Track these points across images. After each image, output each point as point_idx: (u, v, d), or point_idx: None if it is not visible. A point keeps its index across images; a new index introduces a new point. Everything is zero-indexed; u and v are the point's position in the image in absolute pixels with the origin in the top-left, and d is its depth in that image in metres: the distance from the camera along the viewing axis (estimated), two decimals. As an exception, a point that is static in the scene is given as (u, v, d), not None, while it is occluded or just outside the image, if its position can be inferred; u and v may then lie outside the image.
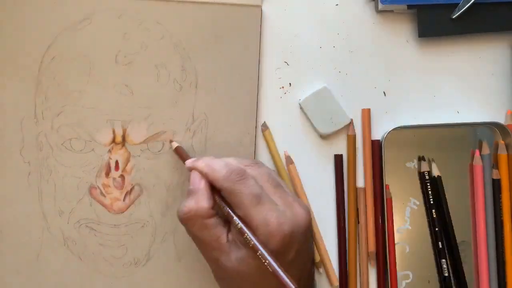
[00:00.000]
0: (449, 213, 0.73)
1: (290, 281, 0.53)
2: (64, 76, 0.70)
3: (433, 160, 0.73)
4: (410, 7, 0.73)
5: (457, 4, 0.72)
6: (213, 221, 0.59)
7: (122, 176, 0.70)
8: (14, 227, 0.69)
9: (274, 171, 0.69)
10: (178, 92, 0.70)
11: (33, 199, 0.69)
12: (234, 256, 0.58)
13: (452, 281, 0.72)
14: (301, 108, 0.73)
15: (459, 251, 0.72)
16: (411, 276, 0.73)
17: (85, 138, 0.69)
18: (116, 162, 0.70)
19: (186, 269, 0.68)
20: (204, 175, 0.61)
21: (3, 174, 0.69)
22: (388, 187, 0.72)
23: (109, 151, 0.70)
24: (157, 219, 0.70)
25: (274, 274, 0.55)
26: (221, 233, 0.59)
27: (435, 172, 0.73)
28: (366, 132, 0.73)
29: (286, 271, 0.55)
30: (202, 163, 0.62)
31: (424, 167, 0.73)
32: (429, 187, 0.73)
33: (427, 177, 0.73)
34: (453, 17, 0.72)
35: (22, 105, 0.69)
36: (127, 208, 0.70)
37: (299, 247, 0.58)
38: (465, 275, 0.72)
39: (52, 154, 0.69)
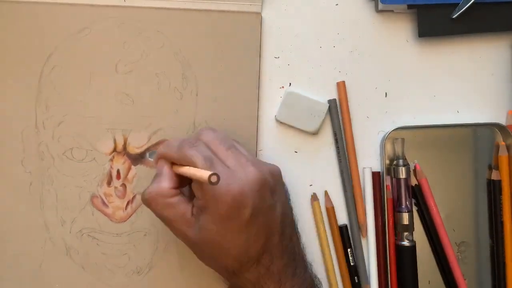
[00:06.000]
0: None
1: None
2: (65, 86, 0.70)
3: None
4: (410, 6, 0.73)
5: (457, 4, 0.72)
6: (176, 199, 0.61)
7: (123, 185, 0.70)
8: (16, 237, 0.69)
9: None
10: (179, 101, 0.70)
11: (35, 209, 0.69)
12: (197, 226, 0.60)
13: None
14: (280, 122, 0.73)
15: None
16: (411, 276, 0.73)
17: (86, 147, 0.70)
18: (118, 171, 0.70)
19: (189, 278, 0.68)
20: (164, 156, 0.63)
21: (5, 184, 0.69)
22: (389, 188, 0.72)
23: (111, 160, 0.70)
24: (159, 228, 0.70)
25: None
26: (186, 210, 0.61)
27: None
28: (348, 131, 0.73)
29: (242, 231, 0.58)
30: (161, 147, 0.64)
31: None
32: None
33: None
34: (453, 17, 0.72)
35: (23, 115, 0.70)
36: (129, 217, 0.70)
37: (254, 205, 0.58)
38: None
39: (53, 164, 0.69)
